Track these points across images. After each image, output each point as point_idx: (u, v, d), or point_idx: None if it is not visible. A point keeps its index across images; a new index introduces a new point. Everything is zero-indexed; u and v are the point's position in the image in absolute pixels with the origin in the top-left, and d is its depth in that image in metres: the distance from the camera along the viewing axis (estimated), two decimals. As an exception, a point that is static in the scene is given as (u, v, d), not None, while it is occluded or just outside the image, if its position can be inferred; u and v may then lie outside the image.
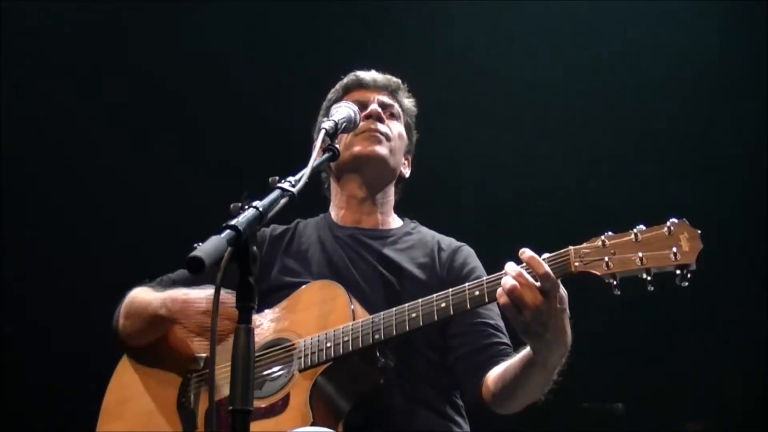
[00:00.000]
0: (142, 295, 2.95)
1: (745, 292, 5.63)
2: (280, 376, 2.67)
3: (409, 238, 3.02)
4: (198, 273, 1.83)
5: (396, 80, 3.14)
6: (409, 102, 3.16)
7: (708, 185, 5.54)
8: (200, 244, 1.89)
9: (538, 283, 2.33)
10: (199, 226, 2.79)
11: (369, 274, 2.87)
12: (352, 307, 2.66)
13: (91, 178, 5.50)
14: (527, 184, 5.68)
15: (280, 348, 2.71)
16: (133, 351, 2.99)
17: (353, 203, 3.04)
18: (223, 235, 1.91)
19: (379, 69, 3.15)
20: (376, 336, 2.56)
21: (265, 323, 2.78)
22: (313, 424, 2.51)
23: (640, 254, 2.27)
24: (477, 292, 2.47)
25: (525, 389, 2.61)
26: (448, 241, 3.01)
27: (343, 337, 2.59)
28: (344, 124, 2.58)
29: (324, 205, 3.17)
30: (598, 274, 2.31)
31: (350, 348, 2.58)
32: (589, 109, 5.55)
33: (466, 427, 2.89)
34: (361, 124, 2.85)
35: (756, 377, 5.70)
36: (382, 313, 2.60)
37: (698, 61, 5.41)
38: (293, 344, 2.68)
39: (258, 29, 5.47)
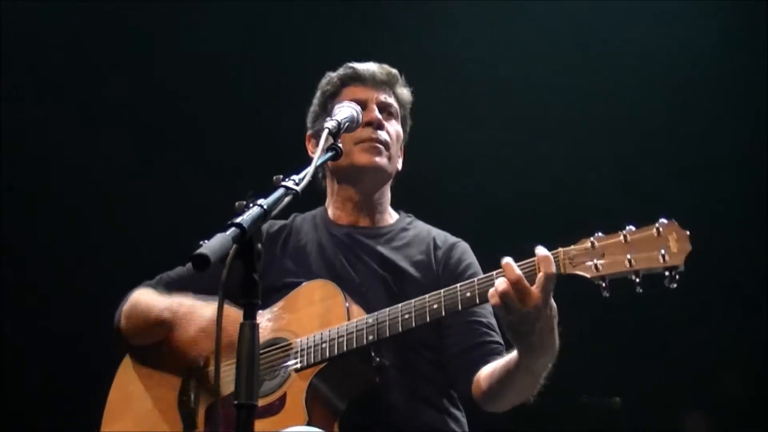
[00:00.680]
0: (146, 297, 2.96)
1: (742, 286, 5.64)
2: (277, 375, 2.67)
3: (405, 234, 3.00)
4: (203, 270, 1.85)
5: (393, 72, 3.06)
6: (406, 92, 3.10)
7: (707, 184, 5.54)
8: (205, 241, 1.91)
9: (535, 283, 2.33)
10: (198, 224, 2.81)
11: (365, 273, 2.87)
12: (347, 306, 2.66)
13: (91, 176, 5.49)
14: (525, 183, 5.68)
15: (278, 347, 2.71)
16: (136, 350, 3.00)
17: (349, 205, 3.03)
18: (228, 232, 1.93)
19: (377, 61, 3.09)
20: (370, 337, 2.57)
21: (263, 322, 2.77)
22: (309, 424, 2.52)
23: (629, 256, 2.26)
24: (468, 294, 2.48)
25: (511, 391, 2.62)
26: (443, 237, 3.00)
27: (338, 337, 2.60)
28: (347, 124, 2.59)
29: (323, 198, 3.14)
30: (588, 276, 2.31)
31: (345, 348, 2.59)
32: (587, 107, 5.54)
33: (464, 420, 2.89)
34: (361, 131, 2.84)
35: (753, 372, 5.71)
36: (376, 313, 2.60)
37: (698, 61, 5.41)
38: (290, 344, 2.69)
39: (257, 29, 5.46)
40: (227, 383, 2.61)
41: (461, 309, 2.51)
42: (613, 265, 2.28)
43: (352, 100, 2.84)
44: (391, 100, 3.03)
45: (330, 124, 2.52)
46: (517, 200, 5.66)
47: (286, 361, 2.68)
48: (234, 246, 1.92)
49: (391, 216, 3.09)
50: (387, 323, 2.56)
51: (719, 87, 5.42)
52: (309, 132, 3.10)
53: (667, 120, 5.55)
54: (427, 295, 2.54)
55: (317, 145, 2.89)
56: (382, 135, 2.95)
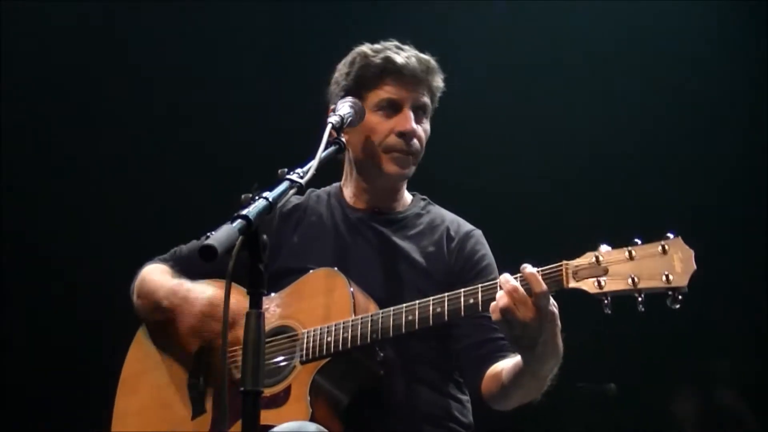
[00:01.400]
0: (153, 277, 2.95)
1: (738, 277, 5.65)
2: (283, 366, 2.67)
3: (420, 221, 2.95)
4: (211, 261, 1.90)
5: (432, 65, 2.87)
6: (439, 81, 2.90)
7: (707, 182, 5.54)
8: (213, 233, 1.95)
9: (531, 298, 2.32)
10: (197, 224, 2.84)
11: (377, 262, 2.85)
12: (353, 300, 2.64)
13: (92, 173, 5.49)
14: (526, 181, 5.67)
15: (285, 336, 2.71)
16: (150, 324, 3.00)
17: (364, 193, 2.97)
18: (234, 224, 1.98)
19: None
20: (374, 335, 2.57)
21: (272, 308, 2.76)
22: (312, 417, 2.52)
23: (633, 275, 2.23)
24: (471, 300, 2.47)
25: (518, 392, 2.64)
26: (456, 226, 2.93)
27: (342, 332, 2.59)
28: (350, 119, 2.62)
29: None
30: (591, 292, 2.29)
31: (349, 345, 2.58)
32: (588, 108, 5.53)
33: (469, 406, 2.89)
34: (393, 138, 2.79)
35: (744, 360, 5.74)
36: (381, 311, 2.60)
37: (699, 61, 5.40)
38: (296, 334, 2.68)
39: (256, 29, 5.45)
40: (235, 369, 2.64)
41: (464, 315, 2.50)
42: (616, 282, 2.25)
43: (386, 99, 2.82)
44: (426, 99, 2.87)
45: (333, 119, 2.55)
46: (517, 198, 5.64)
47: (292, 352, 2.67)
48: (240, 237, 1.95)
49: (406, 199, 3.03)
50: (391, 323, 2.55)
51: (720, 87, 5.41)
52: (332, 106, 2.86)
53: (671, 120, 5.54)
54: (431, 298, 2.53)
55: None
56: (414, 146, 2.84)
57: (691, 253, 2.20)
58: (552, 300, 2.38)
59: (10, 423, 5.30)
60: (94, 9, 5.25)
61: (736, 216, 5.50)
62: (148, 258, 3.10)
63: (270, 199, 2.09)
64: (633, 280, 2.22)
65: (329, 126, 2.50)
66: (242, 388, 1.95)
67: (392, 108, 2.83)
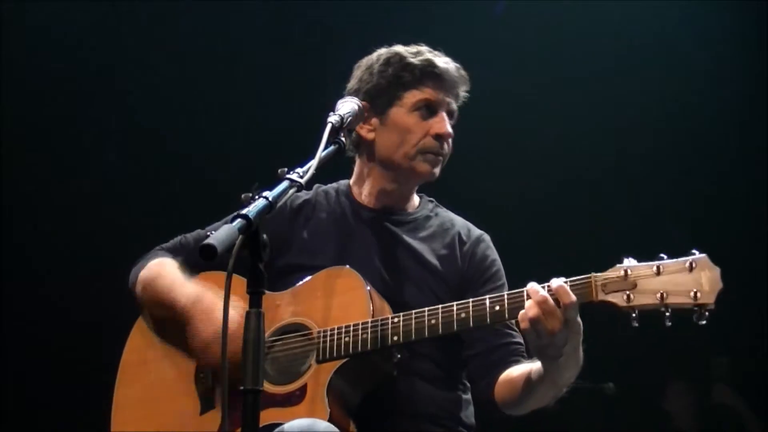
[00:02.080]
0: (168, 274, 2.83)
1: (734, 275, 5.64)
2: (297, 364, 2.62)
3: (430, 224, 2.92)
4: (211, 260, 1.89)
5: (465, 75, 2.90)
6: (466, 92, 2.92)
7: (707, 182, 5.54)
8: (213, 232, 1.95)
9: (560, 309, 2.32)
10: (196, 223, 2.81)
11: (390, 262, 2.81)
12: (371, 300, 2.60)
13: (90, 171, 5.48)
14: (527, 187, 5.67)
15: (299, 334, 2.66)
16: (156, 315, 2.88)
17: (381, 194, 2.92)
18: (234, 223, 1.97)
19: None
20: (395, 338, 2.54)
21: (283, 305, 2.71)
22: (330, 417, 2.48)
23: (661, 290, 2.25)
24: (498, 308, 2.46)
25: (534, 399, 2.64)
26: (466, 230, 2.91)
27: (361, 333, 2.55)
28: (350, 119, 2.59)
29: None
30: (619, 305, 2.30)
31: (368, 347, 2.54)
32: (593, 113, 5.53)
33: (471, 404, 2.86)
34: (429, 140, 2.78)
35: (741, 359, 5.73)
36: (401, 314, 2.56)
37: (700, 62, 5.40)
38: (311, 332, 2.64)
39: (255, 29, 5.44)
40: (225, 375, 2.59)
41: (489, 322, 2.49)
42: (645, 297, 2.27)
43: (424, 102, 2.80)
44: (455, 105, 2.89)
45: (333, 118, 2.52)
46: (520, 202, 5.63)
47: (307, 351, 2.62)
48: (240, 236, 1.94)
49: (415, 200, 2.99)
50: (413, 326, 2.52)
51: (720, 87, 5.40)
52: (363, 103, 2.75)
53: (670, 121, 5.54)
54: (454, 303, 2.51)
55: (371, 127, 2.84)
56: (446, 149, 2.85)
57: (718, 271, 2.25)
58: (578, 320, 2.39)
59: (10, 420, 5.29)
60: (95, 10, 5.26)
61: (736, 217, 5.49)
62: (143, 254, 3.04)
63: (270, 199, 2.08)
64: (662, 295, 2.25)
65: (329, 126, 2.48)
66: (242, 387, 1.94)
67: (429, 110, 2.82)
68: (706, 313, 2.23)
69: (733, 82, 5.37)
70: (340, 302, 2.64)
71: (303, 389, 2.57)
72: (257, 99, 5.48)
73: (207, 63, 5.46)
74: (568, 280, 2.35)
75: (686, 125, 5.51)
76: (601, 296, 2.31)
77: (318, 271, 2.73)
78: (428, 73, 2.82)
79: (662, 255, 2.30)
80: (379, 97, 2.83)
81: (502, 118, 5.49)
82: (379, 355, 2.57)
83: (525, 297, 2.40)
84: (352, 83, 2.90)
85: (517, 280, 2.61)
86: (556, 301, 2.33)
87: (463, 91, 2.89)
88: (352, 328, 2.57)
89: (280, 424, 2.44)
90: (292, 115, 5.08)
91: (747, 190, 5.51)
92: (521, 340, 2.72)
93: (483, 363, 2.73)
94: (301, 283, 2.74)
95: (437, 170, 2.85)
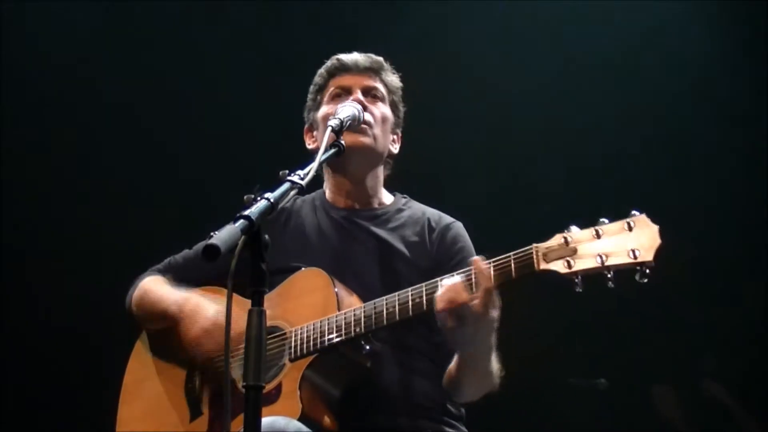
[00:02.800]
0: (155, 288, 2.98)
1: (725, 272, 5.65)
2: (273, 365, 2.67)
3: (401, 215, 2.99)
4: (213, 260, 1.91)
5: (378, 59, 3.05)
6: (394, 78, 3.07)
7: (695, 182, 5.54)
8: (216, 232, 1.97)
9: (478, 292, 2.39)
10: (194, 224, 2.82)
11: (362, 255, 2.88)
12: (337, 297, 2.66)
13: (92, 173, 5.48)
14: (519, 178, 5.67)
15: (274, 336, 2.72)
16: (149, 333, 3.04)
17: (344, 188, 3.00)
18: (237, 224, 2.00)
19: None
20: (357, 329, 2.58)
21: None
22: (302, 414, 2.53)
23: (601, 253, 2.25)
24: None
25: (463, 385, 2.69)
26: (437, 218, 2.97)
27: (327, 329, 2.61)
28: (349, 122, 2.63)
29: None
30: (561, 272, 2.31)
31: (334, 340, 2.60)
32: (585, 103, 5.53)
33: None
34: None
35: (731, 355, 5.74)
36: (363, 305, 2.62)
37: (697, 61, 5.40)
38: (285, 333, 2.70)
39: (252, 29, 5.44)
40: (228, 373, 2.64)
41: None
42: (585, 261, 2.27)
43: (338, 88, 2.94)
44: (376, 84, 3.00)
45: (333, 122, 2.57)
46: (515, 191, 5.64)
47: (282, 351, 2.68)
48: (242, 237, 1.97)
49: (387, 197, 3.07)
50: (373, 316, 2.58)
51: (718, 86, 5.41)
52: (305, 126, 3.12)
53: (666, 119, 5.54)
54: (409, 289, 2.56)
55: (312, 137, 2.99)
56: (367, 116, 2.90)
57: (656, 228, 2.22)
58: (496, 302, 2.44)
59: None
60: (95, 11, 5.26)
61: (726, 215, 5.50)
62: (144, 263, 3.10)
63: (271, 200, 2.11)
64: (601, 258, 2.24)
65: (329, 129, 2.52)
66: (244, 383, 1.97)
67: (344, 93, 2.95)
68: (647, 271, 2.21)
69: (732, 81, 5.39)
70: (309, 302, 2.71)
71: (278, 388, 2.64)
72: (258, 99, 5.49)
73: (207, 63, 5.45)
74: (513, 253, 2.39)
75: (686, 125, 5.51)
76: (543, 265, 2.32)
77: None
78: (335, 68, 3.01)
79: (603, 220, 2.29)
80: (310, 112, 3.06)
81: (502, 118, 5.50)
82: (347, 347, 2.62)
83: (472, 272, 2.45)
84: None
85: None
86: (477, 283, 2.38)
87: (386, 75, 3.02)
88: (319, 325, 2.63)
89: None
90: (293, 116, 5.08)
91: (741, 190, 5.52)
92: None
93: (445, 350, 2.76)
94: (276, 287, 2.81)
95: (365, 139, 2.90)
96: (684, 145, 5.49)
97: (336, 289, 2.68)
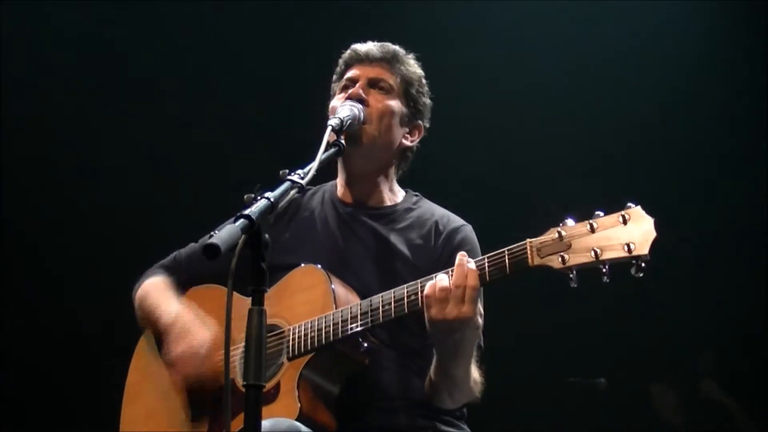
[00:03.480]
0: (154, 293, 2.93)
1: (725, 271, 5.64)
2: (272, 364, 2.64)
3: (409, 216, 2.90)
4: (214, 258, 1.90)
5: (391, 49, 2.92)
6: (410, 68, 2.92)
7: (694, 182, 5.53)
8: (216, 231, 1.97)
9: (461, 290, 2.36)
10: (199, 218, 2.80)
11: (363, 255, 2.81)
12: (334, 294, 2.62)
13: (95, 176, 5.47)
14: (521, 176, 5.66)
15: (272, 334, 2.68)
16: (151, 331, 2.98)
17: (352, 183, 2.92)
18: (237, 223, 1.99)
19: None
20: (353, 326, 2.54)
21: None
22: (301, 412, 2.50)
23: (595, 247, 2.19)
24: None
25: (439, 391, 2.64)
26: (446, 221, 2.88)
27: (324, 327, 2.57)
28: (349, 122, 2.60)
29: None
30: (555, 268, 2.26)
31: (331, 338, 2.56)
32: (583, 102, 5.52)
33: None
34: None
35: (729, 355, 5.73)
36: (360, 302, 2.59)
37: (695, 60, 5.39)
38: (283, 331, 2.66)
39: (255, 30, 5.43)
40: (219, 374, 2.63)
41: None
42: (580, 257, 2.21)
43: (347, 79, 2.87)
44: (385, 75, 2.87)
45: (333, 121, 2.54)
46: (518, 189, 5.63)
47: (280, 350, 2.65)
48: (243, 236, 1.95)
49: (397, 195, 2.96)
50: (369, 313, 2.54)
51: (717, 85, 5.39)
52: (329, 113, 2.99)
53: (664, 117, 5.53)
54: (405, 285, 2.52)
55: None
56: (365, 112, 2.81)
57: (651, 220, 2.16)
58: (480, 308, 2.43)
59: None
60: (94, 11, 5.26)
61: (726, 215, 5.49)
62: (149, 258, 3.08)
63: (272, 200, 2.09)
64: (595, 252, 2.19)
65: (329, 128, 2.49)
66: (244, 383, 1.95)
67: (352, 84, 2.87)
68: (643, 265, 2.15)
69: (732, 81, 5.37)
70: (306, 299, 2.67)
71: (277, 387, 2.60)
72: (258, 100, 5.48)
73: (208, 63, 5.45)
74: (507, 248, 2.36)
75: (686, 124, 5.50)
76: (537, 261, 2.27)
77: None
78: (350, 59, 2.93)
79: (598, 212, 2.24)
80: (329, 100, 2.97)
81: (500, 114, 5.49)
82: (344, 344, 2.58)
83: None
84: None
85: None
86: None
87: (400, 63, 2.91)
88: (316, 323, 2.59)
89: None
90: (293, 117, 5.07)
91: (741, 190, 5.51)
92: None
93: (431, 354, 2.71)
94: (276, 284, 2.76)
95: (362, 136, 2.79)
96: (684, 144, 5.49)
97: (333, 286, 2.64)
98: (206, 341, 2.70)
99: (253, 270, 2.00)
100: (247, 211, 2.00)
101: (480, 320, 2.47)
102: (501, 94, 5.45)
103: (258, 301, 1.99)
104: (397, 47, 2.94)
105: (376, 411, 2.66)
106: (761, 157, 5.39)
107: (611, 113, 5.50)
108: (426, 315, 2.42)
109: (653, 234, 2.15)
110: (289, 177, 2.24)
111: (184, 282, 2.95)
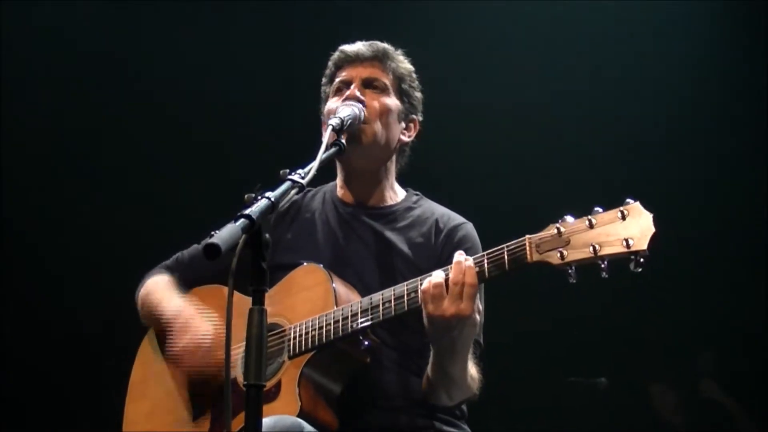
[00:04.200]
0: (158, 290, 2.95)
1: (725, 271, 5.64)
2: (273, 362, 2.64)
3: (410, 215, 2.91)
4: (214, 258, 1.90)
5: (381, 47, 2.93)
6: (401, 64, 2.94)
7: (694, 182, 5.53)
8: (217, 231, 1.96)
9: (459, 287, 2.36)
10: (201, 219, 2.80)
11: (364, 255, 2.82)
12: (335, 293, 2.62)
13: (96, 175, 5.47)
14: (522, 176, 5.66)
15: (273, 333, 2.68)
16: (155, 330, 3.00)
17: (353, 183, 2.93)
18: (237, 223, 1.98)
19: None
20: (354, 323, 2.54)
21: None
22: (301, 411, 2.50)
23: (594, 243, 2.19)
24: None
25: (437, 389, 2.63)
26: (446, 219, 2.89)
27: (326, 325, 2.57)
28: (350, 121, 2.60)
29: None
30: (554, 264, 2.25)
31: (332, 336, 2.56)
32: (583, 102, 5.51)
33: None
34: None
35: (730, 354, 5.73)
36: (361, 300, 2.59)
37: (695, 60, 5.39)
38: (284, 330, 2.67)
39: (255, 30, 5.43)
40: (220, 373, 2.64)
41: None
42: (578, 253, 2.21)
43: (340, 82, 2.87)
44: (378, 74, 2.88)
45: (333, 121, 2.54)
46: (511, 182, 5.63)
47: (281, 348, 2.65)
48: (243, 236, 1.95)
49: (398, 194, 2.98)
50: (370, 312, 2.54)
51: (717, 85, 5.39)
52: (323, 118, 2.97)
53: (666, 117, 5.53)
54: (405, 283, 2.52)
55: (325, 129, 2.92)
56: (364, 112, 2.81)
57: (650, 216, 2.16)
58: (479, 306, 2.42)
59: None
60: (95, 11, 5.26)
61: (726, 214, 5.49)
62: (150, 258, 3.09)
63: (272, 199, 2.09)
64: (594, 248, 2.18)
65: (329, 128, 2.50)
66: (245, 382, 1.95)
67: (345, 86, 2.87)
68: (642, 260, 2.15)
69: (731, 79, 5.37)
70: (307, 298, 2.67)
71: (278, 386, 2.60)
72: (258, 100, 5.48)
73: (208, 63, 5.45)
74: (506, 245, 2.36)
75: (686, 124, 5.50)
76: (536, 257, 2.27)
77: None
78: (340, 60, 2.93)
79: (597, 209, 2.24)
80: (322, 103, 2.98)
81: (500, 112, 5.49)
82: (345, 342, 2.58)
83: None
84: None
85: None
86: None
87: (391, 61, 2.92)
88: (317, 321, 2.59)
89: None
90: (293, 117, 5.07)
91: (741, 189, 5.51)
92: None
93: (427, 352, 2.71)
94: (277, 284, 2.77)
95: (363, 135, 2.80)
96: (684, 144, 5.48)
97: (334, 285, 2.64)
98: (209, 333, 2.71)
99: (253, 270, 2.00)
100: (247, 211, 1.99)
101: (478, 318, 2.47)
102: (502, 94, 5.45)
103: (258, 300, 1.99)
104: (385, 44, 2.95)
105: (377, 410, 2.66)
106: (761, 157, 5.39)
107: (611, 113, 5.50)
108: (423, 311, 2.42)
109: (652, 229, 2.15)
110: (290, 177, 2.23)
111: (187, 282, 2.96)
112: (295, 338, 2.62)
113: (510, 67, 5.43)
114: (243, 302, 2.02)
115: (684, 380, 5.83)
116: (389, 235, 2.84)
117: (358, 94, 2.81)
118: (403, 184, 3.03)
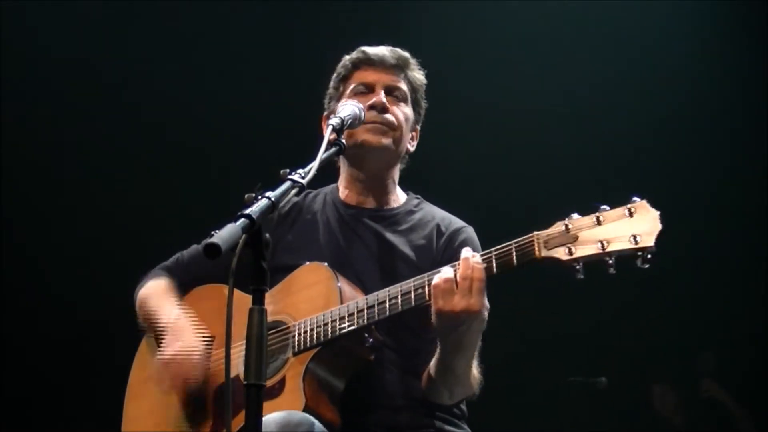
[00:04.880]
0: (156, 296, 2.95)
1: (720, 269, 5.65)
2: (277, 359, 2.64)
3: (411, 218, 2.92)
4: (214, 258, 1.89)
5: (404, 56, 2.94)
6: (418, 75, 2.96)
7: (697, 182, 5.54)
8: (217, 231, 1.95)
9: (468, 282, 2.38)
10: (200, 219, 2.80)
11: (366, 257, 2.82)
12: (340, 289, 2.62)
13: (97, 175, 5.48)
14: (524, 175, 5.67)
15: (277, 331, 2.69)
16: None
17: (358, 185, 2.94)
18: (238, 223, 1.98)
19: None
20: (360, 321, 2.55)
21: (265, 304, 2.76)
22: (306, 407, 2.50)
23: (602, 239, 2.22)
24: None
25: (439, 385, 2.64)
26: (447, 222, 2.90)
27: (331, 321, 2.57)
28: (350, 121, 2.60)
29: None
30: (561, 259, 2.28)
31: (337, 333, 2.56)
32: (584, 102, 5.53)
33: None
34: (367, 114, 2.77)
35: (730, 354, 5.74)
36: (366, 297, 2.59)
37: (695, 60, 5.40)
38: (288, 327, 2.66)
39: (256, 30, 5.44)
40: (221, 371, 2.65)
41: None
42: (586, 248, 2.24)
43: (360, 83, 2.87)
44: (400, 84, 2.91)
45: (334, 121, 2.54)
46: (517, 181, 5.64)
47: (285, 346, 2.65)
48: (243, 236, 1.95)
49: (399, 198, 2.98)
50: (376, 308, 2.54)
51: (717, 84, 5.40)
52: (324, 113, 3.00)
53: (666, 115, 5.53)
54: (411, 280, 2.52)
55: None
56: (388, 117, 2.84)
57: (657, 213, 2.19)
58: (486, 302, 2.43)
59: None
60: (95, 11, 5.26)
61: (726, 214, 5.50)
62: (150, 258, 3.09)
63: (272, 199, 2.09)
64: (602, 244, 2.22)
65: (330, 128, 2.50)
66: (245, 382, 1.95)
67: (367, 89, 2.87)
68: (649, 257, 2.17)
69: (731, 79, 5.38)
70: (312, 295, 2.67)
71: (282, 382, 2.60)
72: (258, 100, 5.49)
73: (208, 63, 5.46)
74: (513, 241, 2.38)
75: (686, 123, 5.51)
76: (544, 253, 2.30)
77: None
78: (360, 61, 2.91)
79: (604, 207, 2.27)
80: (331, 100, 2.97)
81: (506, 111, 5.50)
82: (349, 339, 2.58)
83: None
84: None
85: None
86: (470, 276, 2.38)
87: (412, 72, 2.94)
88: (322, 318, 2.60)
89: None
90: (293, 117, 5.08)
91: (741, 189, 5.52)
92: None
93: (429, 351, 2.71)
94: (280, 283, 2.78)
95: (386, 140, 2.84)
96: (684, 144, 5.50)
97: (339, 284, 2.64)
98: (197, 349, 2.72)
99: (253, 269, 2.00)
100: (247, 211, 1.99)
101: (486, 314, 2.47)
102: (505, 93, 5.46)
103: (258, 300, 1.99)
104: (406, 53, 2.95)
105: (379, 409, 2.66)
106: (761, 157, 5.40)
107: (611, 113, 5.51)
108: (433, 307, 2.42)
109: (659, 226, 2.18)
110: (290, 176, 2.23)
111: (186, 283, 2.96)
112: (300, 335, 2.61)
113: (510, 67, 5.44)
114: (244, 300, 2.02)
115: (684, 380, 5.83)
116: (391, 237, 2.85)
117: (385, 102, 2.84)
118: (404, 184, 3.04)
